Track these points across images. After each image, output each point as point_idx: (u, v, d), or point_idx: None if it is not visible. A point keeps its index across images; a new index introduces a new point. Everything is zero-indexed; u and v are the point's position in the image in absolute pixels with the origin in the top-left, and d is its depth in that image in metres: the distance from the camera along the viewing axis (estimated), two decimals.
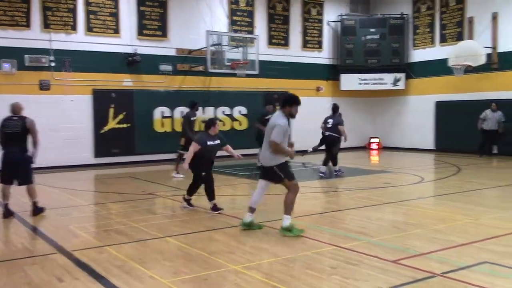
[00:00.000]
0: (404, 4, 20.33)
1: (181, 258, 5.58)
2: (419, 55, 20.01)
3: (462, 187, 10.42)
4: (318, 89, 19.99)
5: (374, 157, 18.29)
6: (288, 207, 6.44)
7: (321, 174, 12.22)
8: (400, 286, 4.50)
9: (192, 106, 12.33)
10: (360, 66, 20.26)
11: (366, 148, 21.08)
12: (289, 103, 6.44)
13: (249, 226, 6.74)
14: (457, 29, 18.64)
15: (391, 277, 4.74)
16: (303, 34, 19.91)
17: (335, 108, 12.63)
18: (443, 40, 19.12)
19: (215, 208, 7.97)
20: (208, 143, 7.90)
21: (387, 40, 20.11)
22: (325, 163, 12.40)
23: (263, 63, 17.23)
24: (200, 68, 16.77)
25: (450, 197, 9.31)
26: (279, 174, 6.44)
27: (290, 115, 6.46)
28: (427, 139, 19.38)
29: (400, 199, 9.20)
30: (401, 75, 20.18)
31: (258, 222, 6.87)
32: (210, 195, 8.04)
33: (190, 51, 16.84)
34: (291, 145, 6.57)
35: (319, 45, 20.36)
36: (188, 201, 8.39)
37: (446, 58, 17.53)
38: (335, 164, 12.37)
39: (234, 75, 16.75)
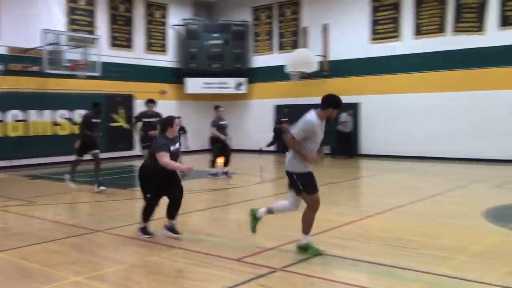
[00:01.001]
0: (246, 11, 21.17)
1: (16, 274, 5.14)
2: (260, 61, 20.97)
3: None
4: (162, 92, 19.86)
5: (219, 159, 18.65)
6: (306, 226, 5.59)
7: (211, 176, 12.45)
8: (243, 283, 4.68)
9: (94, 107, 10.94)
10: (204, 70, 20.58)
11: None
12: (335, 105, 5.57)
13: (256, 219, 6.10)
14: (293, 38, 19.93)
15: (236, 275, 4.90)
16: (147, 37, 19.64)
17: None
18: (281, 47, 20.30)
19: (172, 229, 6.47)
20: (171, 148, 6.30)
21: (230, 46, 20.73)
22: (225, 164, 12.65)
23: (105, 65, 16.62)
24: (36, 69, 15.61)
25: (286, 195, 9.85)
26: (298, 185, 5.57)
27: (328, 119, 5.63)
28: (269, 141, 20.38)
29: (244, 199, 9.54)
30: (243, 80, 20.96)
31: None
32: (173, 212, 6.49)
33: (25, 50, 15.59)
34: (320, 152, 5.66)
35: (163, 48, 20.25)
36: (170, 229, 6.45)
37: (284, 65, 18.66)
38: (212, 166, 12.68)
39: (74, 76, 15.90)
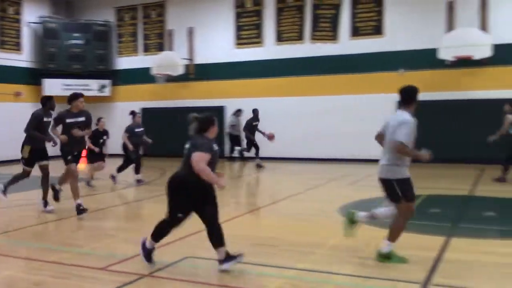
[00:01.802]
0: (108, 11, 20.49)
1: None
2: (124, 62, 20.44)
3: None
4: (17, 94, 18.47)
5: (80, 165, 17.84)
6: (394, 234, 5.29)
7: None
8: None
9: (44, 104, 8.75)
10: (63, 71, 19.53)
11: None
12: (416, 98, 5.31)
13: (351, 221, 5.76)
14: (159, 40, 19.75)
15: (100, 284, 4.76)
16: None
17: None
18: (146, 49, 19.99)
19: None
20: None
21: (92, 46, 19.93)
22: (137, 171, 12.11)
23: None
24: None
25: (156, 199, 9.76)
26: (397, 192, 5.21)
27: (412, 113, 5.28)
28: None
29: (109, 205, 9.26)
30: (107, 82, 20.28)
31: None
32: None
33: None
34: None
35: (17, 47, 18.86)
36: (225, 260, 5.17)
37: (150, 67, 18.40)
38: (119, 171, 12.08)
39: None
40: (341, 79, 16.74)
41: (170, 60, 18.38)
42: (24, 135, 8.45)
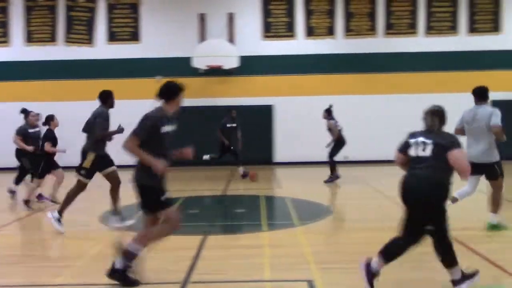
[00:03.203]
0: None
1: None
2: None
3: None
4: None
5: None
6: (497, 206, 6.66)
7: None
8: None
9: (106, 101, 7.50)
10: None
11: None
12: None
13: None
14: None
15: None
16: None
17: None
18: None
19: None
20: None
21: None
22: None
23: None
24: None
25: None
26: (497, 171, 6.53)
27: None
28: None
29: None
30: None
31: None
32: None
33: None
34: None
35: None
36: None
37: None
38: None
39: None
40: (104, 84, 16.31)
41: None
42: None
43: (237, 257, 5.83)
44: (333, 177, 11.92)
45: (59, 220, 6.98)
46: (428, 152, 4.29)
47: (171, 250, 5.86)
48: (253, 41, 16.59)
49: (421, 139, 4.37)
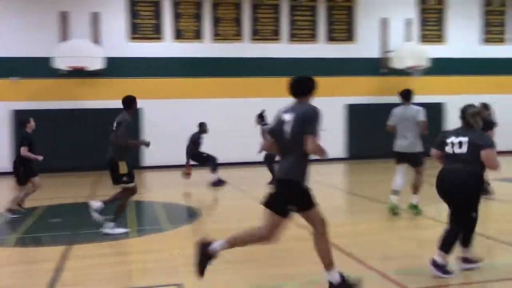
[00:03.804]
0: None
1: None
2: None
3: None
4: None
5: None
6: (417, 188, 7.90)
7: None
8: None
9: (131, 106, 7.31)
10: None
11: None
12: None
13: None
14: None
15: None
16: None
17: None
18: None
19: None
20: None
21: None
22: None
23: None
24: None
25: None
26: (420, 160, 7.87)
27: None
28: None
29: None
30: None
31: None
32: None
33: None
34: None
35: None
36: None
37: None
38: None
39: None
40: None
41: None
42: None
43: (105, 266, 5.65)
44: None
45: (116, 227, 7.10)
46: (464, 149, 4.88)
47: (28, 263, 5.50)
48: (119, 43, 16.14)
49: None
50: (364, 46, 17.78)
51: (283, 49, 17.23)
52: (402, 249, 6.13)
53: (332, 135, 16.03)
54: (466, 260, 5.09)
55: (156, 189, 12.00)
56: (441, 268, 4.87)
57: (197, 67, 16.62)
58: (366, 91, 17.66)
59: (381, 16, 17.86)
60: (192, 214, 8.64)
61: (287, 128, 4.37)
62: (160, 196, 10.59)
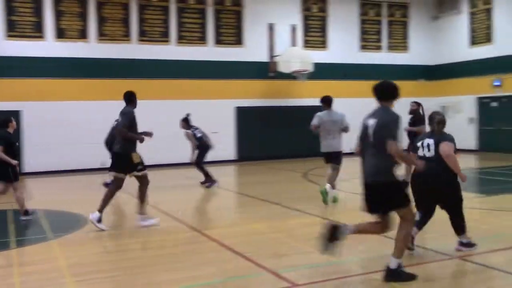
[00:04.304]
0: None
1: None
2: None
3: None
4: None
5: None
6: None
7: None
8: None
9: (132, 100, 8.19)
10: None
11: None
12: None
13: None
14: None
15: None
16: None
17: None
18: None
19: None
20: None
21: None
22: None
23: None
24: None
25: None
26: (341, 158, 8.99)
27: None
28: None
29: None
30: None
31: None
32: None
33: None
34: None
35: None
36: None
37: None
38: None
39: None
40: None
41: None
42: None
43: None
44: (210, 182, 11.52)
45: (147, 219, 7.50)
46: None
47: None
48: None
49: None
50: (252, 50, 18.17)
51: (172, 51, 17.08)
52: (292, 247, 6.35)
53: (222, 137, 16.18)
54: (462, 244, 5.76)
55: (39, 196, 11.29)
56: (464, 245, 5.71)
57: (80, 68, 15.91)
58: (255, 94, 18.06)
59: (268, 22, 18.38)
60: (78, 221, 8.24)
61: (370, 132, 4.80)
62: (43, 204, 9.98)
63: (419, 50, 21.00)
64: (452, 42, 20.58)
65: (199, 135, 11.80)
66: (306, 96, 17.72)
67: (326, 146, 8.91)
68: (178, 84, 17.04)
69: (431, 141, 5.58)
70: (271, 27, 18.44)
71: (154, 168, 15.29)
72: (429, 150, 5.57)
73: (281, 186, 11.95)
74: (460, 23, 20.21)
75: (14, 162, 8.16)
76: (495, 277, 5.02)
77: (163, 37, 17.07)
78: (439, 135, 5.64)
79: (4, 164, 8.07)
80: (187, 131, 11.77)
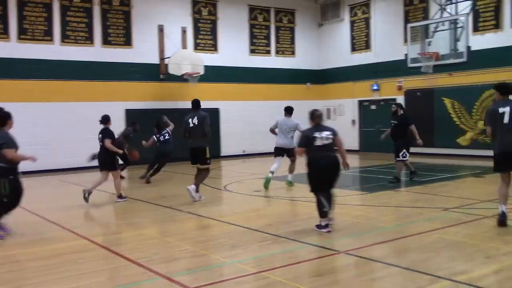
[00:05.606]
0: None
1: None
2: None
3: None
4: None
5: None
6: (292, 171, 11.24)
7: None
8: None
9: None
10: None
11: None
12: None
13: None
14: None
15: None
16: None
17: None
18: None
19: None
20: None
21: None
22: None
23: None
24: None
25: None
26: (294, 153, 10.11)
27: None
28: None
29: None
30: None
31: None
32: None
33: None
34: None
35: None
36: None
37: None
38: None
39: None
40: None
41: None
42: None
43: None
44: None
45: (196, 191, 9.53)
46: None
47: None
48: None
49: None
50: (142, 52, 17.81)
51: (55, 50, 16.21)
52: (185, 250, 6.31)
53: None
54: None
55: None
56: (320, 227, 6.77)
57: None
58: (146, 96, 17.72)
59: (158, 23, 18.12)
60: None
61: (506, 117, 6.66)
62: None
63: (305, 55, 21.90)
64: (335, 48, 21.73)
65: (161, 140, 13.24)
66: (197, 98, 17.65)
67: (280, 144, 11.20)
68: (62, 86, 16.21)
69: None
70: (161, 29, 18.20)
71: (30, 174, 14.50)
72: None
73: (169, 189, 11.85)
74: (342, 31, 21.42)
75: (120, 151, 10.06)
76: (377, 269, 5.37)
77: (46, 35, 16.13)
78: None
79: (113, 154, 9.77)
80: (153, 136, 13.27)
